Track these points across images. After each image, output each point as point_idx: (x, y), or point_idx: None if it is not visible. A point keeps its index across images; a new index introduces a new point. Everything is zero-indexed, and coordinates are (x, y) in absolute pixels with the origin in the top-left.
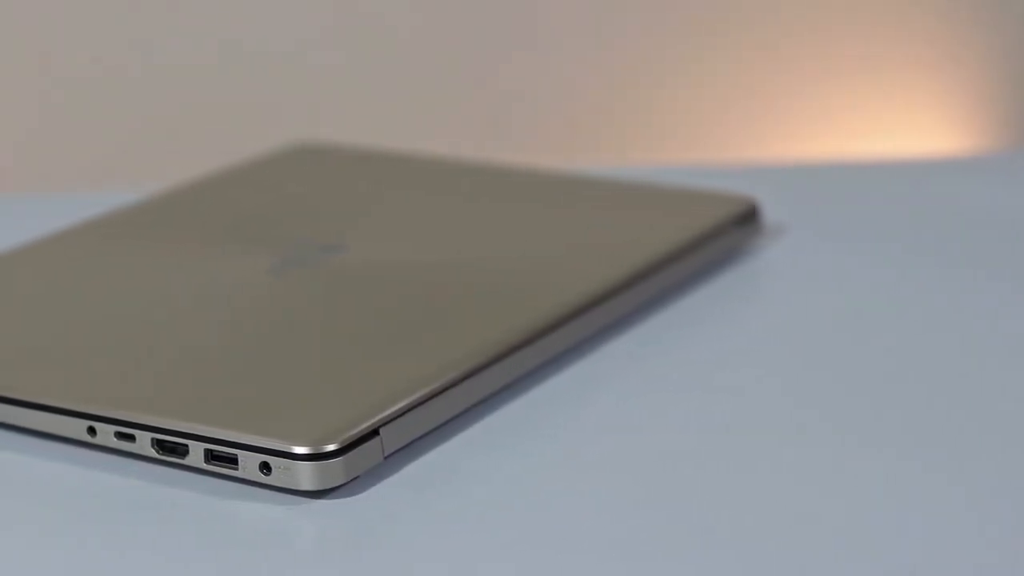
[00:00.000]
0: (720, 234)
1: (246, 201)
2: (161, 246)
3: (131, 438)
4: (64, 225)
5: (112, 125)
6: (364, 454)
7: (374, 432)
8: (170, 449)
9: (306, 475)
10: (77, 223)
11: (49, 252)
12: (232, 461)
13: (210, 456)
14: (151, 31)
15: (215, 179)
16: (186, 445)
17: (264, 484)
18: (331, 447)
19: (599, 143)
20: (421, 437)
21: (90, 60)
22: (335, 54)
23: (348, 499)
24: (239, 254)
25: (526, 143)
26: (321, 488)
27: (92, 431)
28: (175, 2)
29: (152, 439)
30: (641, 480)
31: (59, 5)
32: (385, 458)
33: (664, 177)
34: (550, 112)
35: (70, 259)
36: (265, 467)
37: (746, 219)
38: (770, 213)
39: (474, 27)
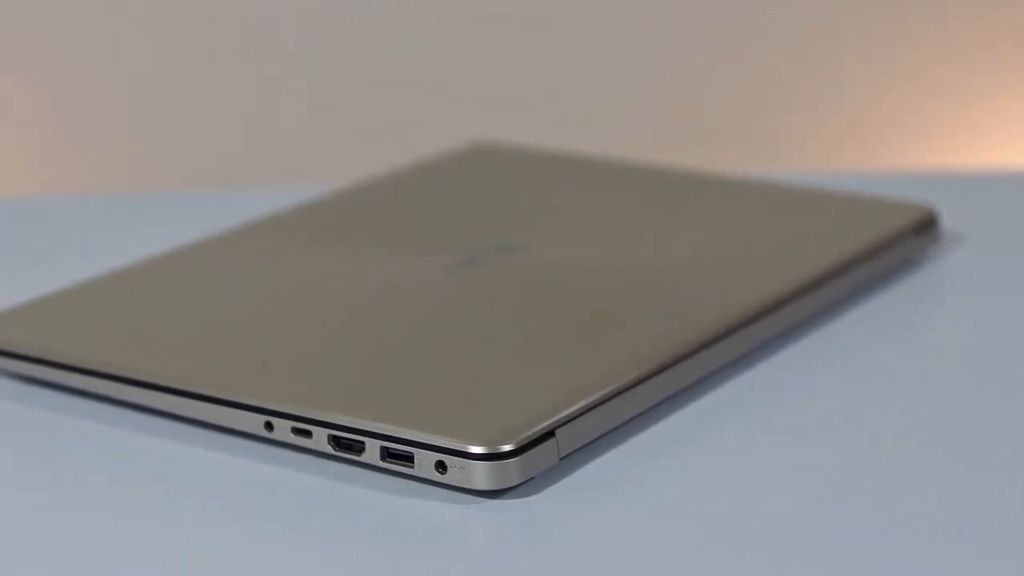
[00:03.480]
0: (896, 243)
1: (422, 201)
2: (338, 245)
3: (308, 434)
4: (240, 223)
5: (288, 124)
6: (540, 455)
7: (550, 433)
8: (346, 446)
9: (481, 475)
10: (254, 220)
11: (227, 249)
12: (408, 459)
13: (386, 454)
14: (329, 32)
15: (391, 179)
16: (362, 442)
17: (439, 483)
18: (507, 447)
19: (776, 148)
20: (596, 439)
21: (266, 60)
22: (509, 54)
23: (523, 500)
24: (416, 254)
25: (701, 147)
26: (496, 488)
27: (269, 426)
28: (350, 2)
29: (329, 435)
30: (811, 489)
31: (228, 7)
32: (560, 459)
33: (841, 184)
34: (726, 116)
35: (249, 256)
36: (441, 466)
37: (923, 228)
38: (948, 222)
39: (649, 30)
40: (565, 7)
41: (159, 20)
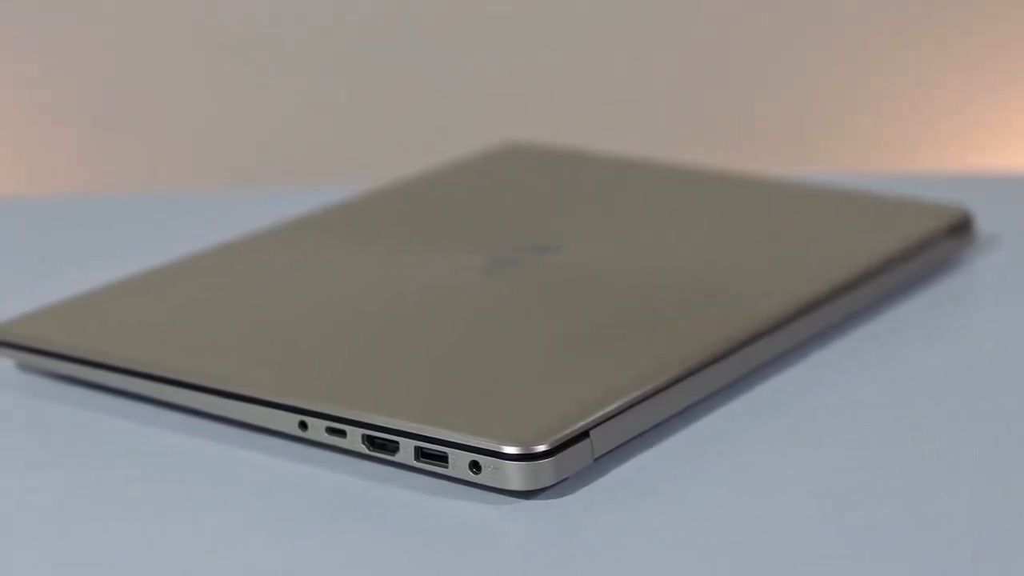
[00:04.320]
0: (931, 245)
1: (457, 201)
2: (372, 244)
3: (342, 434)
4: (276, 222)
5: (323, 124)
6: (574, 456)
7: (584, 434)
8: (380, 446)
9: (515, 475)
10: (287, 220)
11: (263, 248)
12: (442, 459)
13: (420, 454)
14: (364, 33)
15: (425, 179)
16: (396, 442)
17: (473, 483)
18: (541, 448)
19: (810, 149)
20: (631, 440)
21: (302, 61)
22: (543, 55)
23: (557, 500)
24: (451, 253)
25: (736, 147)
26: (530, 488)
27: (303, 425)
28: (386, 3)
29: (363, 435)
30: (845, 492)
31: (272, 8)
32: (595, 460)
33: (875, 185)
34: (762, 117)
35: (283, 255)
36: (475, 466)
37: (958, 230)
38: (983, 224)
39: (684, 29)
40: (598, 7)
41: (196, 20)
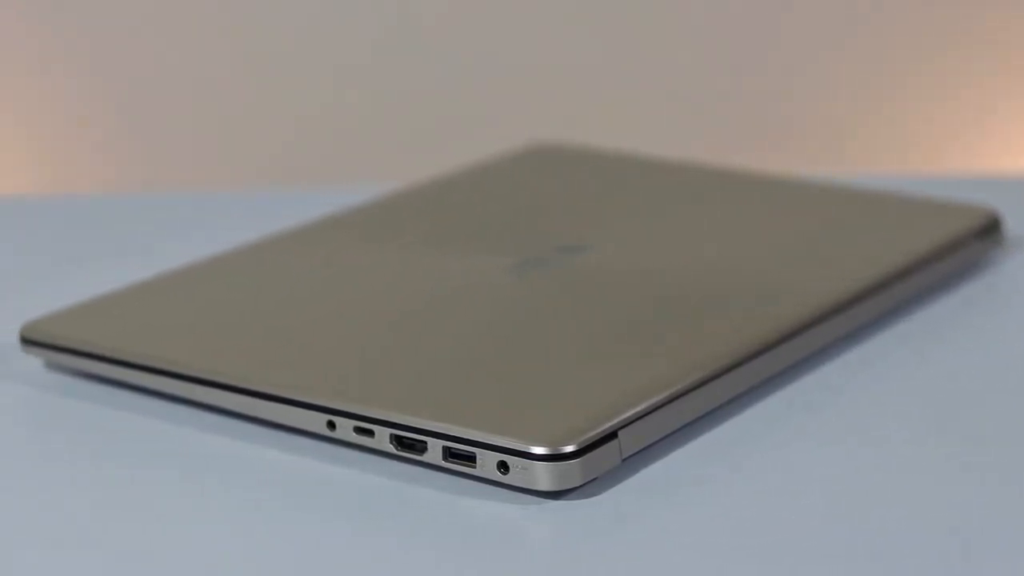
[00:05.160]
0: (960, 246)
1: (484, 201)
2: (400, 244)
3: (370, 433)
4: (302, 222)
5: (349, 124)
6: (602, 456)
7: (612, 435)
8: (408, 445)
9: (543, 475)
10: (317, 220)
11: (290, 248)
12: (470, 459)
13: (448, 454)
14: (388, 33)
15: (452, 179)
16: (424, 442)
17: (501, 483)
18: (569, 448)
19: (839, 150)
20: (659, 441)
21: (327, 62)
22: (572, 54)
23: (584, 501)
24: (478, 254)
25: (765, 148)
26: (558, 489)
27: (332, 425)
28: (410, 4)
29: (391, 435)
30: (875, 493)
31: (290, 9)
32: (623, 461)
33: (904, 186)
34: (790, 117)
35: (312, 255)
36: (503, 466)
37: (987, 231)
38: (1012, 226)
39: (712, 30)
40: (626, 6)
41: (220, 20)
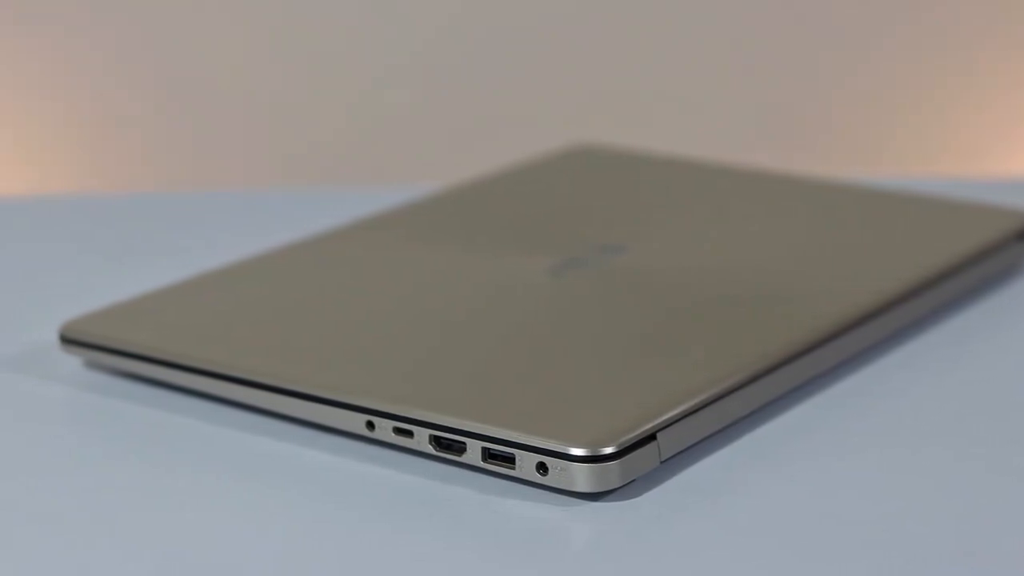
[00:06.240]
0: (998, 249)
1: (526, 202)
2: (440, 245)
3: (409, 434)
4: (341, 222)
5: (393, 123)
6: (641, 458)
7: (651, 436)
8: (447, 446)
9: (582, 477)
10: (356, 220)
11: (331, 248)
12: (509, 460)
13: (487, 455)
14: (433, 33)
15: (494, 179)
16: (463, 443)
17: (540, 484)
18: (608, 450)
19: (876, 153)
20: (698, 443)
21: (372, 60)
22: (615, 56)
23: (623, 502)
24: (519, 254)
25: (803, 150)
26: (597, 490)
27: (371, 425)
28: (459, 4)
29: (430, 436)
30: (914, 496)
31: (345, 17)
32: (661, 463)
33: (941, 189)
34: (828, 120)
35: (351, 255)
36: (542, 467)
37: None
38: None
39: (752, 33)
40: (669, 9)
41: (265, 19)
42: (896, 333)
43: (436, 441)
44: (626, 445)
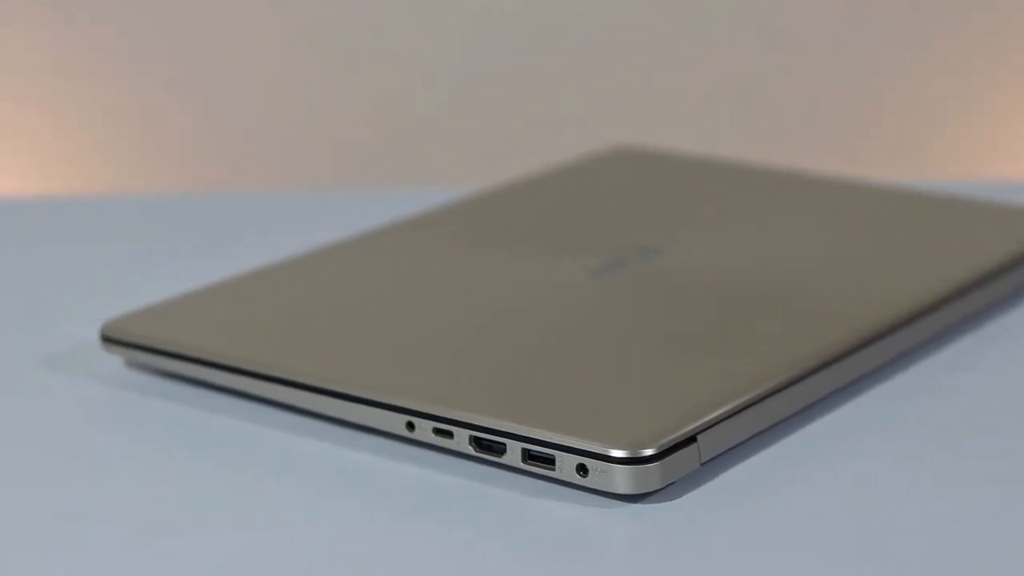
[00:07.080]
0: None
1: (566, 203)
2: (481, 245)
3: (449, 435)
4: (382, 223)
5: (431, 125)
6: (681, 460)
7: (691, 438)
8: (487, 447)
9: (622, 478)
10: (396, 221)
11: (371, 249)
12: (549, 461)
13: (527, 456)
14: (469, 35)
15: (533, 181)
16: (504, 444)
17: (580, 486)
18: (648, 452)
19: (917, 156)
20: (738, 445)
21: (408, 62)
22: (655, 58)
23: (663, 504)
24: (560, 255)
25: (843, 153)
26: (637, 492)
27: (411, 426)
28: (500, 6)
29: (470, 436)
30: (953, 500)
31: (380, 18)
32: (702, 464)
33: (982, 192)
34: (868, 123)
35: (392, 256)
36: (582, 469)
37: None
38: None
39: (790, 37)
40: (709, 10)
41: (295, 22)
42: (937, 335)
43: (476, 442)
44: (666, 447)
